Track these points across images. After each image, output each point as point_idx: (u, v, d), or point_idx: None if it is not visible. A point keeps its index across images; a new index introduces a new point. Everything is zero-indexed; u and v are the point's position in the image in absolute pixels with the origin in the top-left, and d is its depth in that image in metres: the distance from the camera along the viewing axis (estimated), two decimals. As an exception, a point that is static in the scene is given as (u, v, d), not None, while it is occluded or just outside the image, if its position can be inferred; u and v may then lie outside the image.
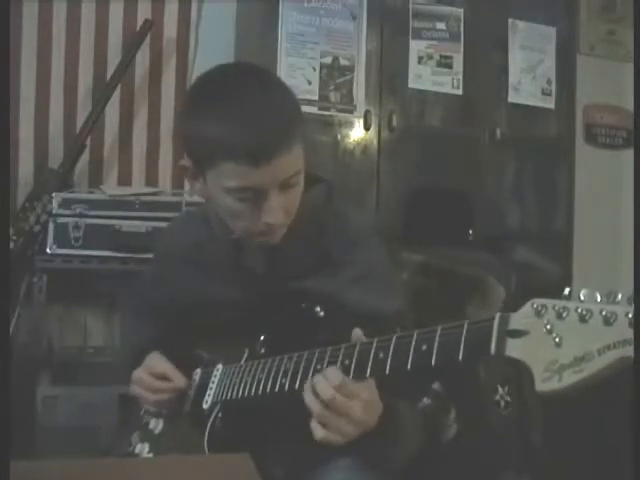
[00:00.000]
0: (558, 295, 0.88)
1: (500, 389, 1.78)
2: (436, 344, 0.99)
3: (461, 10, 3.00)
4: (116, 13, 2.98)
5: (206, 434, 1.24)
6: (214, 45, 3.07)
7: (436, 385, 1.12)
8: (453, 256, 1.84)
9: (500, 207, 3.08)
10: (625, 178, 3.56)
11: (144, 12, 2.98)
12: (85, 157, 2.88)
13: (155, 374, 1.35)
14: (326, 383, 1.07)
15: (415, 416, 1.23)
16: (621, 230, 3.54)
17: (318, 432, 1.09)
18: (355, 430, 1.09)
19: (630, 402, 0.97)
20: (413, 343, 1.01)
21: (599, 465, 2.28)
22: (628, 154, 3.63)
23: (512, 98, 3.09)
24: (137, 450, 1.38)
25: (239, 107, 1.19)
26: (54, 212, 2.58)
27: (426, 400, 1.12)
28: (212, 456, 1.21)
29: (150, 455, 1.35)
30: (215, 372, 1.31)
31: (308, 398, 1.09)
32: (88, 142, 2.83)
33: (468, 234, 2.93)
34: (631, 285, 0.85)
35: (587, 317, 0.84)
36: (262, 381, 1.20)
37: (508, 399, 1.79)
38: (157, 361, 1.37)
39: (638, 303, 0.82)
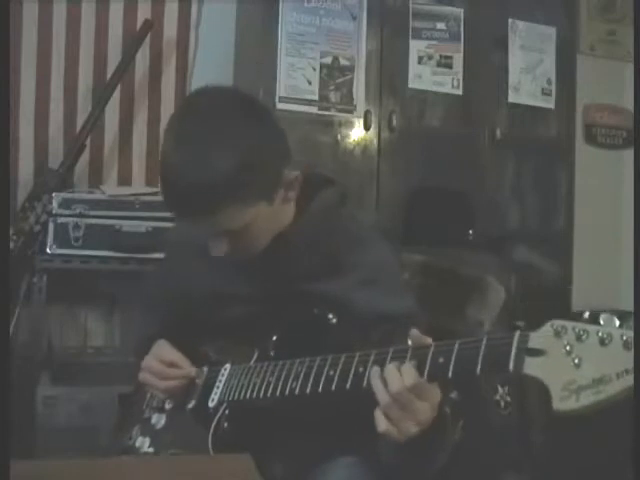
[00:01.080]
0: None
1: (500, 389, 1.78)
2: (454, 357, 0.99)
3: (461, 10, 3.00)
4: (116, 13, 2.97)
5: (210, 432, 1.24)
6: (214, 45, 3.07)
7: (454, 394, 1.12)
8: (453, 256, 1.84)
9: (500, 207, 3.08)
10: (625, 178, 3.57)
11: (144, 12, 2.98)
12: (85, 157, 2.88)
13: (165, 362, 1.35)
14: (398, 377, 1.04)
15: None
16: (621, 230, 3.53)
17: (381, 424, 1.06)
18: (415, 430, 1.06)
19: (630, 402, 0.97)
20: (430, 355, 1.02)
21: (599, 465, 2.28)
22: (628, 154, 3.63)
23: (512, 98, 3.08)
24: (137, 443, 1.38)
25: (177, 166, 1.18)
26: (54, 212, 2.58)
27: (447, 409, 1.13)
28: (212, 456, 1.21)
29: (150, 450, 1.35)
30: (223, 371, 1.31)
31: (376, 385, 1.06)
32: (88, 142, 2.82)
33: (468, 234, 2.93)
34: (631, 285, 0.86)
35: (607, 341, 0.85)
36: (272, 384, 1.19)
37: (508, 399, 1.79)
38: (166, 349, 1.37)
39: (638, 303, 0.83)
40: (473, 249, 2.78)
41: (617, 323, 0.86)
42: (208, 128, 1.18)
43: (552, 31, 3.15)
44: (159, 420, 1.38)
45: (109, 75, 2.86)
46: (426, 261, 1.69)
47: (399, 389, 1.03)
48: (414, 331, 1.08)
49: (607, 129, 3.66)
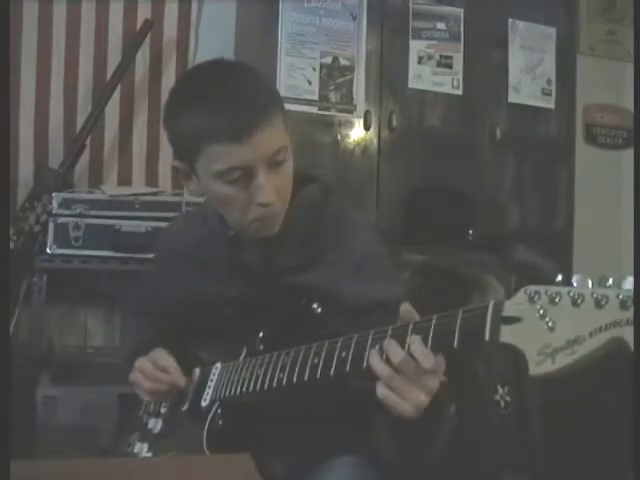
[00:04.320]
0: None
1: (500, 389, 1.78)
2: (431, 333, 1.00)
3: (461, 10, 3.00)
4: (116, 13, 2.98)
5: (204, 432, 1.25)
6: (214, 45, 3.07)
7: (443, 378, 1.12)
8: (453, 256, 1.84)
9: (500, 207, 3.08)
10: (625, 178, 3.57)
11: (144, 12, 2.98)
12: (85, 157, 2.88)
13: (157, 365, 1.36)
14: (398, 348, 1.03)
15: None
16: (621, 230, 3.54)
17: (380, 390, 1.05)
18: (425, 399, 1.05)
19: (631, 403, 0.97)
20: (409, 333, 1.02)
21: (599, 465, 2.28)
22: (628, 154, 3.63)
23: (512, 98, 3.08)
24: (136, 450, 1.38)
25: (213, 92, 1.23)
26: (54, 212, 2.58)
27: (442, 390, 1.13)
28: (212, 456, 1.21)
29: (149, 454, 1.35)
30: (214, 370, 1.32)
31: (375, 361, 1.05)
32: (88, 142, 2.83)
33: (468, 234, 2.93)
34: (631, 285, 0.86)
35: (579, 301, 0.86)
36: (260, 377, 1.20)
37: (508, 399, 1.79)
38: (161, 354, 1.38)
39: (638, 303, 0.83)
40: (473, 249, 2.78)
41: (590, 284, 0.87)
42: (231, 70, 1.30)
43: (552, 31, 3.15)
44: (156, 425, 1.39)
45: (109, 75, 2.86)
46: (426, 261, 1.69)
47: (401, 359, 1.02)
48: (405, 304, 1.09)
49: (607, 129, 3.66)
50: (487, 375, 1.71)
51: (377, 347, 1.06)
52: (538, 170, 3.14)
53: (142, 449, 1.37)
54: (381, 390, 1.05)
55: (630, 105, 3.47)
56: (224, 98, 1.22)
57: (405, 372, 1.03)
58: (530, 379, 0.88)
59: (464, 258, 1.87)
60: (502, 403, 1.78)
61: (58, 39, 2.92)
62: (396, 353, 1.03)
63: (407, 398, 1.04)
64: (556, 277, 0.90)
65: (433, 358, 1.02)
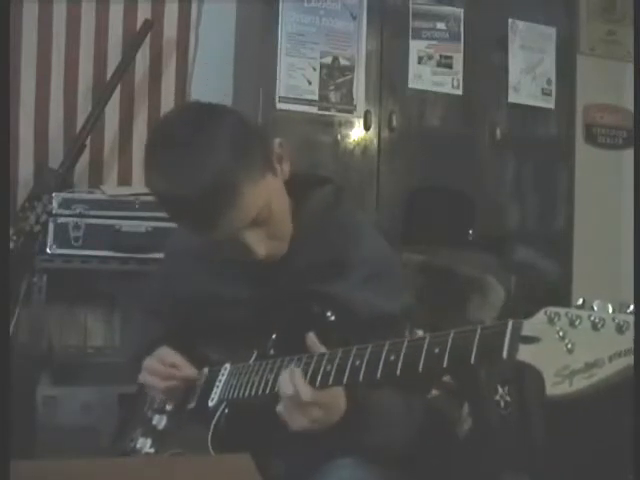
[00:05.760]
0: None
1: (500, 389, 1.78)
2: (448, 347, 1.00)
3: (461, 10, 3.00)
4: (116, 13, 2.98)
5: (210, 432, 1.25)
6: (214, 45, 3.07)
7: (446, 378, 1.13)
8: (453, 256, 1.84)
9: (500, 207, 3.08)
10: (625, 178, 3.57)
11: (144, 12, 2.98)
12: (85, 157, 2.88)
13: (165, 363, 1.37)
14: (289, 382, 1.13)
15: (409, 405, 1.26)
16: (621, 230, 3.53)
17: (279, 407, 1.16)
18: (306, 425, 1.14)
19: (631, 400, 0.97)
20: (425, 346, 1.02)
21: (599, 465, 2.28)
22: (628, 154, 3.63)
23: (512, 98, 3.08)
24: (139, 445, 1.39)
25: (170, 182, 1.21)
26: (54, 212, 2.58)
27: (434, 392, 1.14)
28: (213, 456, 1.21)
29: (151, 450, 1.36)
30: (223, 371, 1.32)
31: (285, 380, 1.15)
32: (88, 142, 2.83)
33: (468, 234, 2.93)
34: (631, 285, 0.86)
35: (599, 325, 0.86)
36: (270, 381, 1.20)
37: (508, 399, 1.79)
38: (167, 351, 1.39)
39: (638, 303, 0.83)
40: (473, 249, 2.78)
41: (610, 309, 0.87)
42: (187, 139, 1.22)
43: (552, 31, 3.15)
44: (160, 421, 1.39)
45: (109, 75, 2.86)
46: (426, 261, 1.69)
47: (291, 391, 1.13)
48: (310, 335, 1.16)
49: (607, 129, 3.66)
50: (488, 375, 1.71)
51: (290, 367, 1.15)
52: (538, 170, 3.14)
53: (145, 444, 1.38)
54: (280, 407, 1.15)
55: (630, 105, 3.47)
56: (177, 187, 1.19)
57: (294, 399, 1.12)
58: (531, 379, 0.88)
59: (464, 258, 1.86)
60: (502, 403, 1.78)
61: (58, 39, 2.92)
62: (288, 386, 1.13)
63: (293, 420, 1.14)
64: (577, 301, 0.90)
65: (310, 392, 1.10)
